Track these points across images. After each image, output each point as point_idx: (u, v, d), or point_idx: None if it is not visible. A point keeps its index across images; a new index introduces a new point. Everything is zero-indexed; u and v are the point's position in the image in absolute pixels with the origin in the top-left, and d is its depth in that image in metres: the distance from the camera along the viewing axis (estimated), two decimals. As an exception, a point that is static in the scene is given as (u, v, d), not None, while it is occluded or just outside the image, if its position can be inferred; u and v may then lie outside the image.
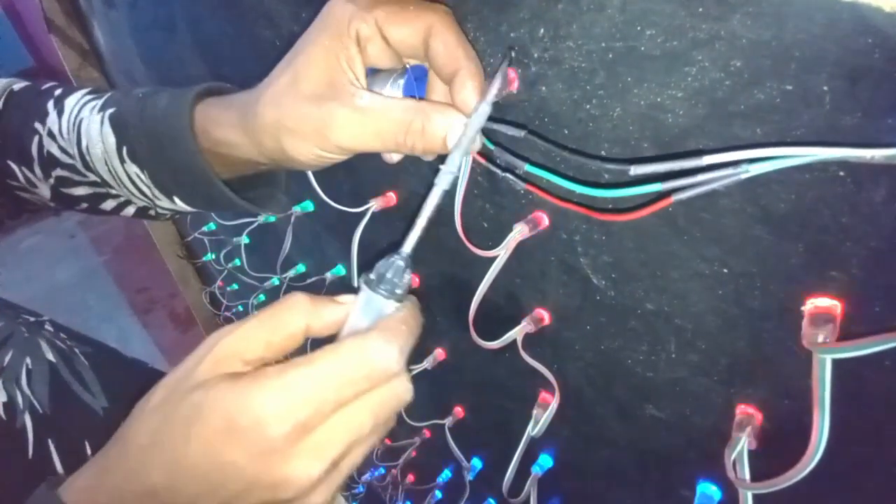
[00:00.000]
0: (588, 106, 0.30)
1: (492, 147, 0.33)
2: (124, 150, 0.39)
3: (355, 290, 0.29)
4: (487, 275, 0.39)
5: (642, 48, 0.26)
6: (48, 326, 0.46)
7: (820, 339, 0.25)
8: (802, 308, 0.26)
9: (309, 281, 0.72)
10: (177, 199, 0.41)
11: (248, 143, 0.34)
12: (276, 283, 0.80)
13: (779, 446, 0.31)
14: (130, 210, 0.44)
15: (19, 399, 0.36)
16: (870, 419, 0.27)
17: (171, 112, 0.37)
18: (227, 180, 0.39)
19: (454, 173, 0.29)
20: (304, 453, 0.24)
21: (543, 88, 0.31)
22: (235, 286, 1.06)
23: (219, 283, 1.10)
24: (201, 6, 0.61)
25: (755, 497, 0.30)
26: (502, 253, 0.38)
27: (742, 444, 0.30)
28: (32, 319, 0.45)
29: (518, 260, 0.39)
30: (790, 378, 0.29)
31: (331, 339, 0.27)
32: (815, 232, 0.25)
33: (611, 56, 0.27)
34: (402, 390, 0.26)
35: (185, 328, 1.99)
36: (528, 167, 0.32)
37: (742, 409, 0.32)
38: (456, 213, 0.38)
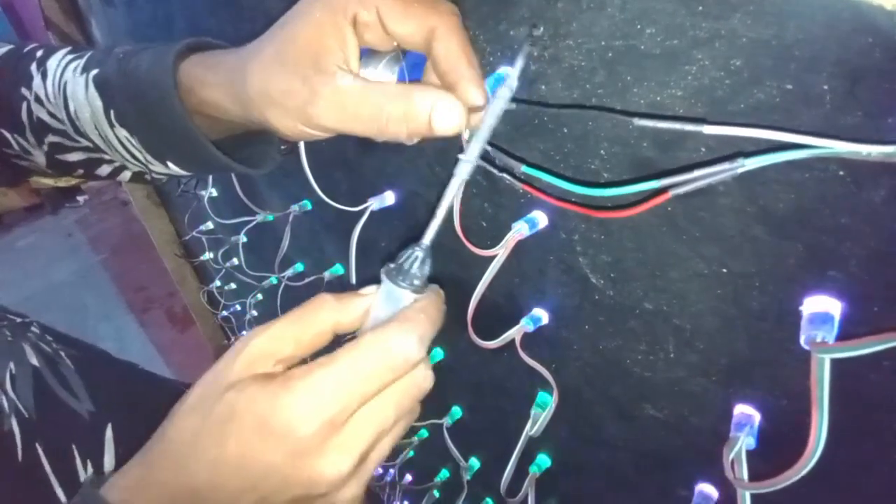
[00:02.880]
0: (588, 105, 0.30)
1: (488, 148, 0.33)
2: (112, 113, 0.38)
3: (355, 288, 0.29)
4: (486, 274, 0.39)
5: (642, 47, 0.26)
6: (34, 329, 0.45)
7: (819, 339, 0.25)
8: (801, 308, 0.26)
9: (307, 280, 0.72)
10: (170, 164, 0.40)
11: (236, 107, 0.34)
12: (275, 281, 0.80)
13: (777, 446, 0.31)
14: (126, 174, 0.44)
15: (5, 403, 0.36)
16: (868, 419, 0.27)
17: (154, 73, 0.36)
18: (219, 140, 0.38)
19: (473, 163, 0.29)
20: (333, 450, 0.25)
21: (543, 87, 0.31)
22: (233, 285, 1.06)
23: (216, 282, 1.10)
24: (199, 4, 0.61)
25: (753, 497, 0.30)
26: (501, 252, 0.38)
27: (740, 444, 0.30)
28: (18, 321, 0.45)
29: (517, 259, 0.39)
30: (789, 378, 0.29)
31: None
32: (815, 232, 0.25)
33: (611, 55, 0.27)
34: (421, 378, 0.27)
35: (183, 327, 1.99)
36: (524, 168, 0.32)
37: (740, 409, 0.32)
38: (455, 212, 0.38)
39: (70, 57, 0.41)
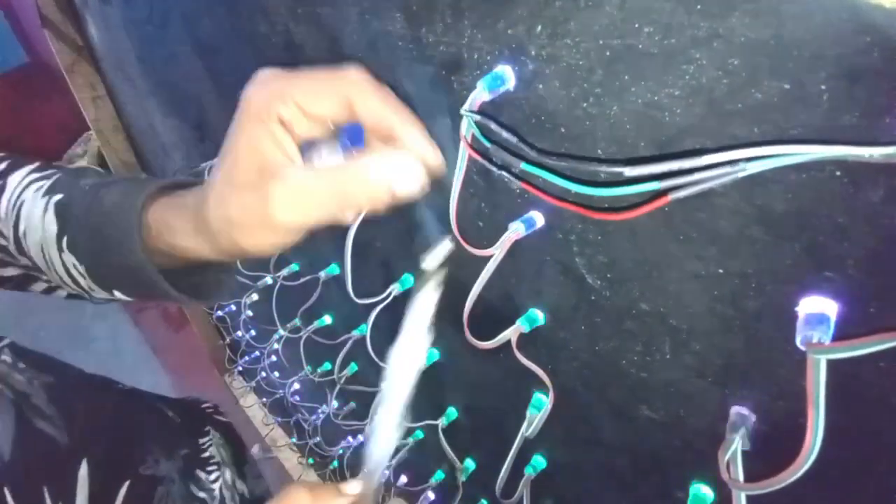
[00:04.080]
0: (585, 104, 0.30)
1: (488, 145, 0.33)
2: (64, 239, 0.37)
3: (348, 291, 0.29)
4: (482, 274, 0.39)
5: (640, 46, 0.26)
6: (5, 357, 0.44)
7: (815, 339, 0.25)
8: (797, 309, 0.26)
9: (302, 280, 0.72)
10: (116, 293, 0.39)
11: (206, 247, 0.34)
12: (270, 282, 0.79)
13: (773, 447, 0.31)
14: (62, 293, 0.43)
15: None
16: (864, 420, 0.27)
17: (119, 212, 0.35)
18: (172, 269, 0.37)
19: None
20: None
21: (540, 86, 0.31)
22: (229, 285, 1.05)
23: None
24: (196, 1, 0.61)
25: (749, 498, 0.30)
26: (497, 252, 0.38)
27: (736, 445, 0.30)
28: None
29: (513, 259, 0.39)
30: (785, 379, 0.29)
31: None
32: (812, 232, 0.25)
33: (608, 54, 0.27)
34: None
35: (178, 327, 1.98)
36: (523, 165, 0.32)
37: (736, 410, 0.32)
38: (451, 211, 0.38)
39: (34, 176, 0.40)
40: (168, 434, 0.53)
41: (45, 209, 0.38)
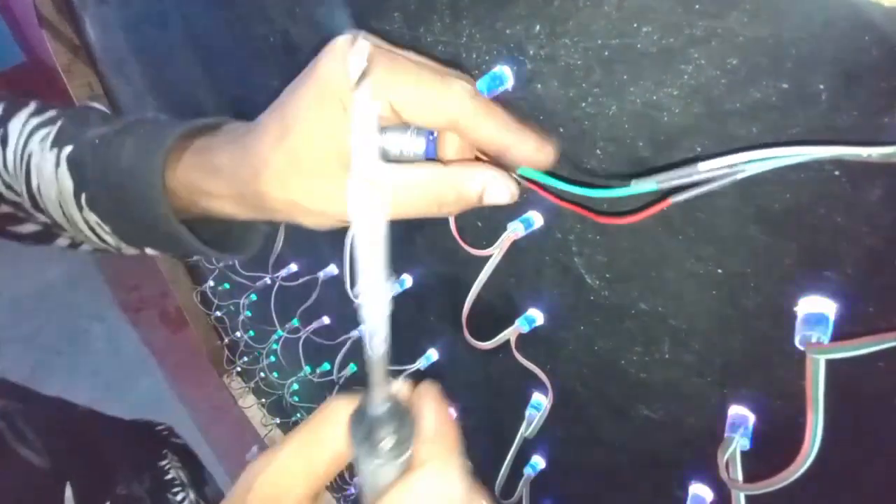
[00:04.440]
0: (584, 104, 0.30)
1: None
2: (83, 196, 0.34)
3: (346, 290, 0.28)
4: (481, 274, 0.39)
5: (638, 45, 0.26)
6: None
7: (813, 339, 0.25)
8: (796, 308, 0.26)
9: (301, 280, 0.71)
10: (148, 250, 0.37)
11: (249, 212, 0.32)
12: (268, 282, 0.79)
13: (772, 447, 0.31)
14: (87, 247, 0.40)
15: None
16: (863, 420, 0.27)
17: (139, 174, 0.32)
18: (199, 224, 0.35)
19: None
20: None
21: (539, 86, 0.31)
22: (227, 285, 1.05)
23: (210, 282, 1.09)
24: (194, 2, 0.61)
25: (748, 498, 0.30)
26: (496, 252, 0.38)
27: (735, 445, 0.30)
28: None
29: (512, 259, 0.39)
30: (784, 379, 0.29)
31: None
32: (810, 232, 0.25)
33: (607, 53, 0.27)
34: None
35: (176, 328, 1.98)
36: (520, 171, 0.32)
37: (735, 410, 0.32)
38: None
39: (36, 121, 0.36)
40: (132, 455, 0.51)
41: (57, 163, 0.35)
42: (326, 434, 0.22)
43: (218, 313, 1.13)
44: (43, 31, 1.02)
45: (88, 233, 0.36)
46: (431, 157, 0.30)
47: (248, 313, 0.96)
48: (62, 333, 2.08)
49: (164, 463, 0.52)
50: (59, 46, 1.03)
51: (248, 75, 0.58)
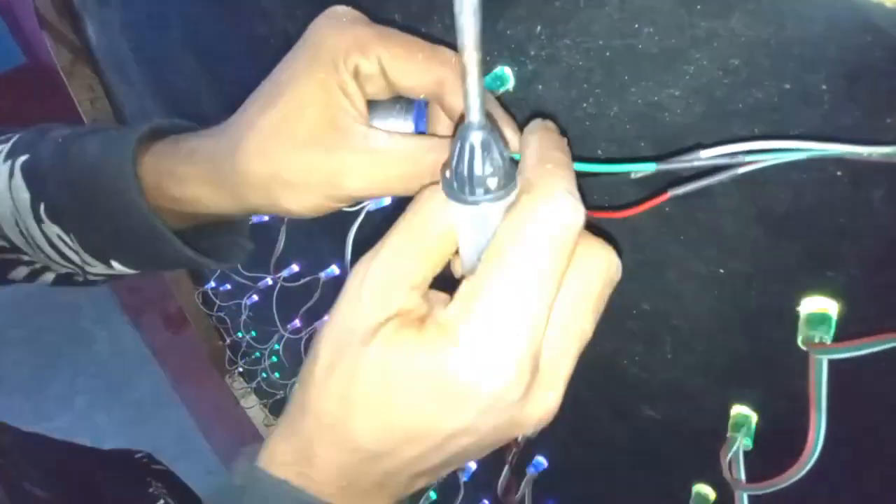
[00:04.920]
0: (585, 105, 0.30)
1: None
2: (41, 207, 0.32)
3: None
4: (483, 274, 0.39)
5: (640, 46, 0.26)
6: None
7: (816, 339, 0.25)
8: (799, 308, 0.26)
9: (302, 281, 0.71)
10: (115, 263, 0.34)
11: (224, 198, 0.29)
12: (270, 283, 0.79)
13: (775, 447, 0.31)
14: (49, 277, 0.37)
15: None
16: (866, 420, 0.27)
17: (109, 162, 0.30)
18: (179, 231, 0.32)
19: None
20: (538, 388, 0.21)
21: (540, 87, 0.31)
22: (228, 286, 1.05)
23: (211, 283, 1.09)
24: (195, 4, 0.61)
25: (751, 498, 0.30)
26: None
27: (738, 445, 0.30)
28: None
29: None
30: (786, 379, 0.29)
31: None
32: (813, 232, 0.25)
33: (608, 54, 0.27)
34: (602, 257, 0.21)
35: (178, 329, 1.98)
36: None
37: (738, 410, 0.32)
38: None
39: None
40: (121, 485, 0.50)
41: (11, 174, 0.32)
42: (428, 215, 0.22)
43: (219, 314, 1.13)
44: (44, 33, 1.02)
45: (49, 250, 0.33)
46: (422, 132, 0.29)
47: (250, 314, 0.97)
48: (64, 334, 2.09)
49: (151, 490, 0.51)
50: (60, 48, 1.03)
51: (249, 77, 0.58)
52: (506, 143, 0.20)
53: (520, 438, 0.21)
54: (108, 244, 0.33)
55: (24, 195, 0.32)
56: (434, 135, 0.28)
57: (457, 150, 0.19)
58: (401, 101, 0.29)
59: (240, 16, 0.54)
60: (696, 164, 0.24)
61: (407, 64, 0.25)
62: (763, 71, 0.23)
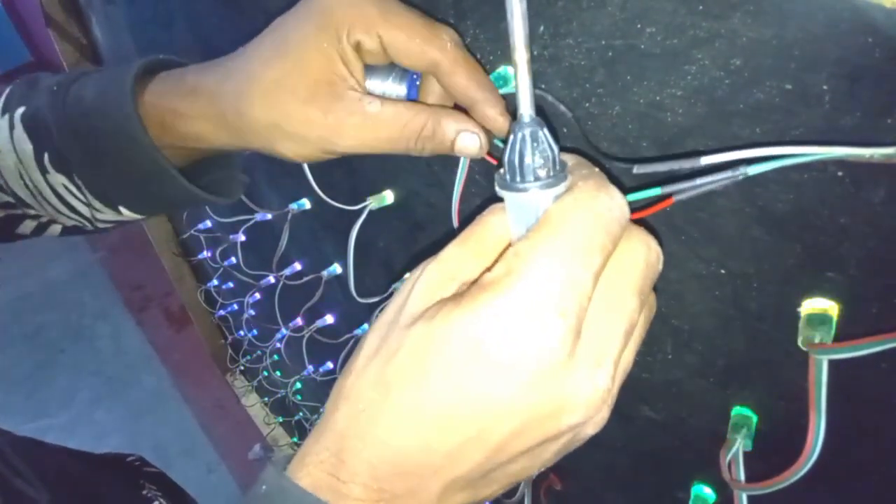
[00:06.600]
0: (587, 104, 0.30)
1: (499, 143, 0.33)
2: (45, 157, 0.32)
3: (350, 290, 0.28)
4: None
5: (642, 46, 0.26)
6: None
7: (816, 340, 0.25)
8: (799, 309, 0.26)
9: (305, 279, 0.72)
10: (122, 209, 0.35)
11: (225, 136, 0.31)
12: (272, 281, 0.80)
13: (775, 448, 0.31)
14: (56, 229, 0.38)
15: None
16: (866, 421, 0.27)
17: (108, 103, 0.31)
18: (181, 170, 0.34)
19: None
20: (584, 363, 0.19)
21: (542, 86, 0.31)
22: (231, 284, 1.05)
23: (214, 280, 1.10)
24: (200, 2, 0.61)
25: (751, 499, 0.30)
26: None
27: (737, 446, 0.30)
28: None
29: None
30: (786, 379, 0.29)
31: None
32: (813, 232, 0.25)
33: (610, 54, 0.27)
34: (645, 247, 0.22)
35: (180, 327, 1.99)
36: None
37: (738, 411, 0.32)
38: (453, 211, 0.38)
39: None
40: (117, 488, 0.51)
41: (12, 126, 0.32)
42: (488, 224, 0.23)
43: (222, 312, 1.13)
44: (50, 31, 1.03)
45: (56, 201, 0.34)
46: (413, 99, 0.31)
47: (252, 312, 0.97)
48: (66, 331, 2.09)
49: (145, 492, 0.51)
50: (66, 46, 1.04)
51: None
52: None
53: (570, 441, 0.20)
54: (114, 187, 0.34)
55: (27, 146, 0.32)
56: (422, 102, 0.31)
57: (509, 142, 0.21)
58: (397, 68, 0.31)
59: (245, 15, 0.54)
60: (698, 181, 0.24)
61: (405, 46, 0.28)
62: (764, 71, 0.23)
